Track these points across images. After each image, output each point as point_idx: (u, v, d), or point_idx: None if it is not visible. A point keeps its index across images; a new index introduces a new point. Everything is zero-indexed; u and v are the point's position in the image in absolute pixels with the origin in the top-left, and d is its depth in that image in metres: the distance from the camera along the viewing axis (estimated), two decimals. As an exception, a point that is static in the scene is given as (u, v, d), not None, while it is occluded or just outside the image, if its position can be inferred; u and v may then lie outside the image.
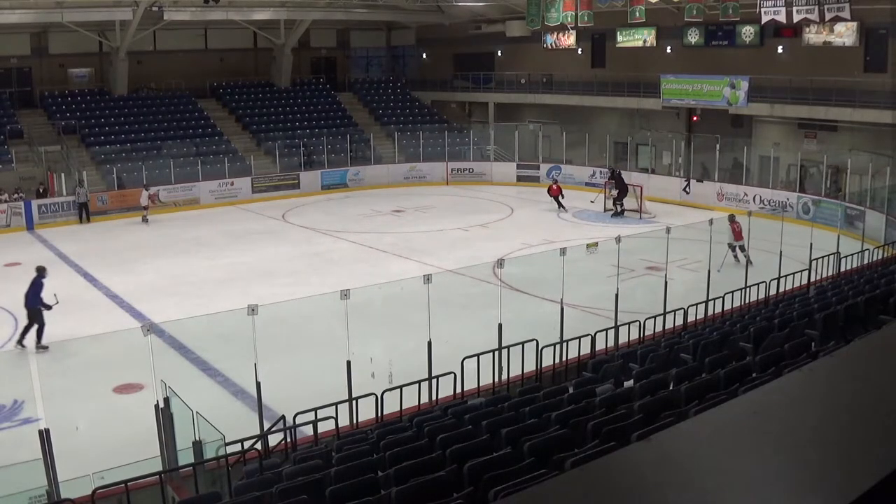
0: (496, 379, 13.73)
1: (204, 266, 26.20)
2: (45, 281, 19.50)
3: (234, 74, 48.15)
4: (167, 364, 15.23)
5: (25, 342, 18.54)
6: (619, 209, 32.62)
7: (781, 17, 31.93)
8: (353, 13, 47.38)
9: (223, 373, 16.34)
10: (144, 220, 34.30)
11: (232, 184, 39.14)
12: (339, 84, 51.17)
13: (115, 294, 23.51)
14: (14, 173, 37.66)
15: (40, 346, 18.56)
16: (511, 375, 13.68)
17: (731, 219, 23.91)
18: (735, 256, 23.41)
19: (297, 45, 48.45)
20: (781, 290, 17.74)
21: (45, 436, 10.06)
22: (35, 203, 35.72)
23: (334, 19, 48.08)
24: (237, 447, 10.63)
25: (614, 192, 33.07)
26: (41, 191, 36.80)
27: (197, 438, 10.39)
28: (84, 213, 35.59)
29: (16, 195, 35.88)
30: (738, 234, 23.36)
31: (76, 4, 39.35)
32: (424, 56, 53.79)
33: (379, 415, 12.01)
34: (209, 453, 10.34)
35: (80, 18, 40.43)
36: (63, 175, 37.34)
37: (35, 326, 18.77)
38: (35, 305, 18.98)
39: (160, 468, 10.46)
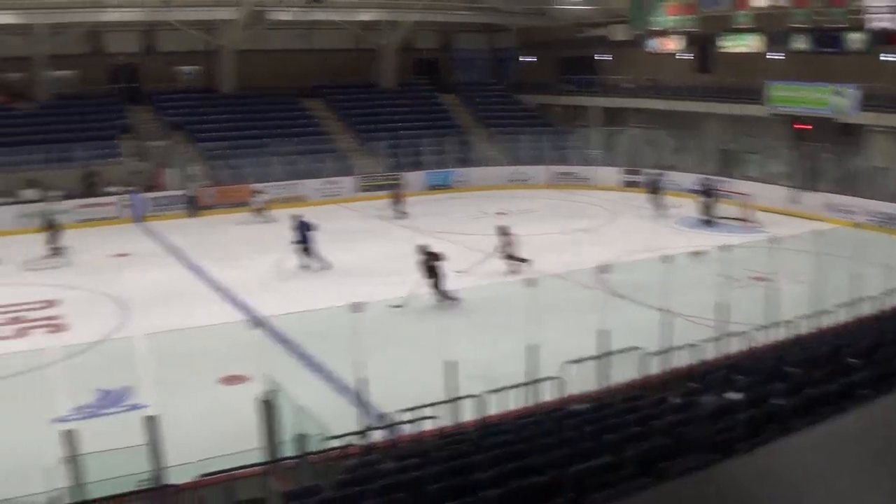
0: (598, 386, 13.62)
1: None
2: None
3: (338, 74, 48.60)
4: (272, 358, 15.50)
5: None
6: (712, 218, 31.99)
7: (890, 24, 31.07)
8: (455, 15, 47.53)
9: (327, 368, 16.52)
10: (259, 216, 34.72)
11: (336, 182, 39.56)
12: (443, 86, 51.31)
13: (222, 287, 23.97)
14: (124, 168, 38.66)
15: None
16: (613, 383, 13.56)
17: None
18: None
19: (402, 46, 48.77)
20: (891, 304, 17.25)
21: (151, 422, 10.31)
22: (144, 196, 36.66)
23: (437, 21, 48.23)
24: (339, 442, 10.73)
25: (707, 200, 32.47)
26: (150, 185, 37.73)
27: (300, 432, 10.53)
28: (192, 207, 36.35)
29: (126, 189, 36.86)
30: None
31: (183, 3, 40.29)
32: (527, 59, 53.62)
33: (480, 416, 12.01)
34: (311, 447, 10.46)
35: (187, 17, 41.40)
36: (173, 170, 38.28)
37: None
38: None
39: (263, 459, 10.63)
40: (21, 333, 20.60)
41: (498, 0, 46.72)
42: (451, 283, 21.43)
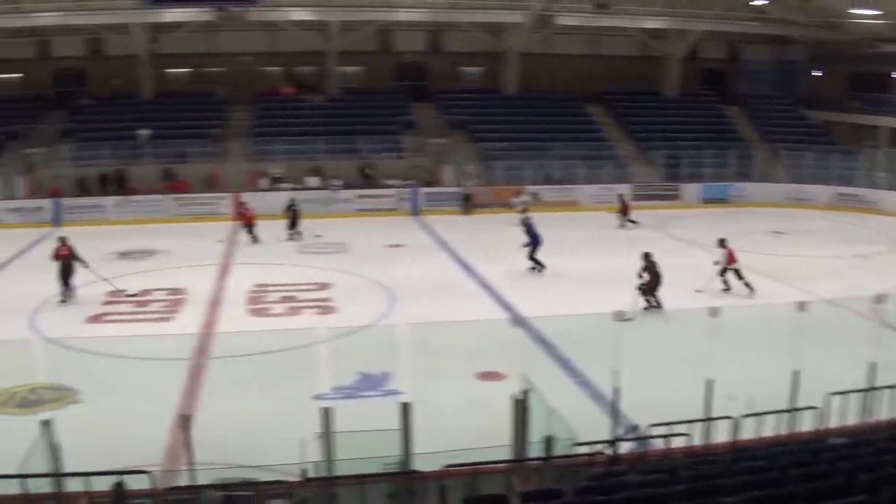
0: (860, 421, 12.70)
1: (573, 266, 26.33)
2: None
3: (621, 81, 48.13)
4: (529, 357, 15.46)
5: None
6: None
7: None
8: (744, 25, 45.91)
9: (582, 373, 16.32)
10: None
11: (612, 189, 39.25)
12: (728, 97, 49.77)
13: (487, 284, 24.21)
14: (405, 162, 39.92)
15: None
16: (877, 419, 12.61)
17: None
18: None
19: (687, 55, 47.72)
20: None
21: (406, 409, 10.46)
22: (422, 191, 37.70)
23: (724, 31, 46.77)
24: (586, 448, 10.52)
25: None
26: (428, 180, 38.76)
27: (549, 434, 10.40)
28: (467, 204, 37.02)
29: (405, 182, 38.10)
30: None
31: (471, 6, 41.08)
32: (817, 73, 51.20)
33: (733, 439, 11.47)
34: (558, 450, 10.31)
35: (474, 19, 42.21)
36: (451, 167, 39.18)
37: None
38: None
39: (509, 457, 10.57)
40: (293, 312, 21.65)
41: (789, 11, 44.80)
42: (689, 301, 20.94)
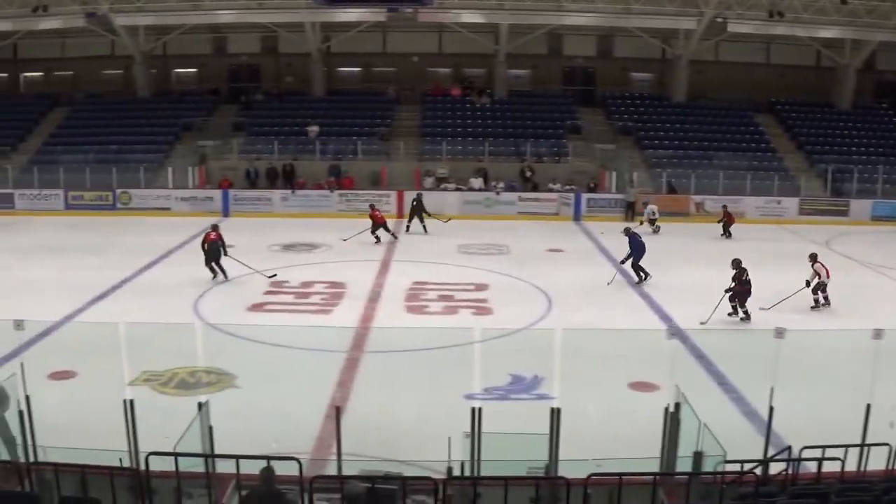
0: None
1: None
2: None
3: (793, 91, 46.54)
4: (684, 370, 15.10)
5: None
6: None
7: None
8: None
9: (737, 390, 15.86)
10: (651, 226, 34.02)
11: (779, 202, 38.05)
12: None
13: (646, 293, 23.81)
14: (569, 166, 39.73)
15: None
16: None
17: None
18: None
19: (862, 66, 45.83)
20: None
21: (555, 414, 10.34)
22: (585, 196, 37.42)
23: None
24: (736, 467, 10.18)
25: None
26: (591, 186, 38.44)
27: (698, 449, 10.12)
28: (630, 212, 36.55)
29: (568, 187, 37.90)
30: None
31: (643, 11, 40.50)
32: None
33: (889, 468, 10.91)
34: (707, 467, 10.02)
35: (645, 25, 41.65)
36: (614, 173, 38.75)
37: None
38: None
39: (656, 469, 10.34)
40: (450, 311, 21.79)
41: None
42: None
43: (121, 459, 10.11)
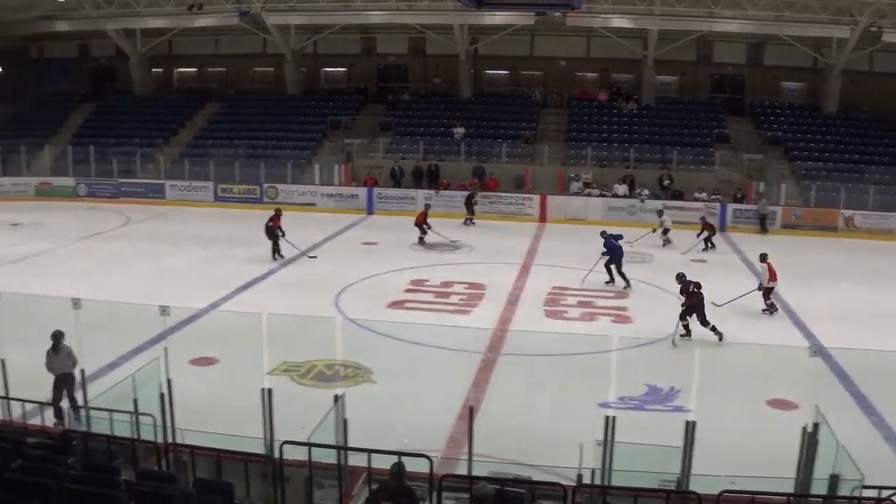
0: None
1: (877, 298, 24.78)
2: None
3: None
4: (825, 389, 14.65)
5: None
6: None
7: None
8: None
9: (880, 413, 15.30)
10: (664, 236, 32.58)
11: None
12: None
13: (790, 308, 23.15)
14: (715, 175, 38.99)
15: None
16: None
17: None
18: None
19: None
20: None
21: (690, 428, 10.18)
22: (730, 207, 36.67)
23: None
24: (874, 493, 9.83)
25: None
26: (738, 196, 37.63)
27: (835, 472, 9.82)
28: (763, 224, 35.70)
29: (713, 196, 37.20)
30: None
31: (795, 19, 39.39)
32: None
33: None
34: (843, 491, 9.71)
35: (797, 33, 40.46)
36: (762, 184, 37.85)
37: None
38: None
39: (790, 490, 10.07)
40: (588, 317, 21.64)
41: None
42: None
43: (250, 446, 10.38)
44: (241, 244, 29.73)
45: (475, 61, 46.20)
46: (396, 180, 39.56)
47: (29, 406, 13.37)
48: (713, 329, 19.52)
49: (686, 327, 19.71)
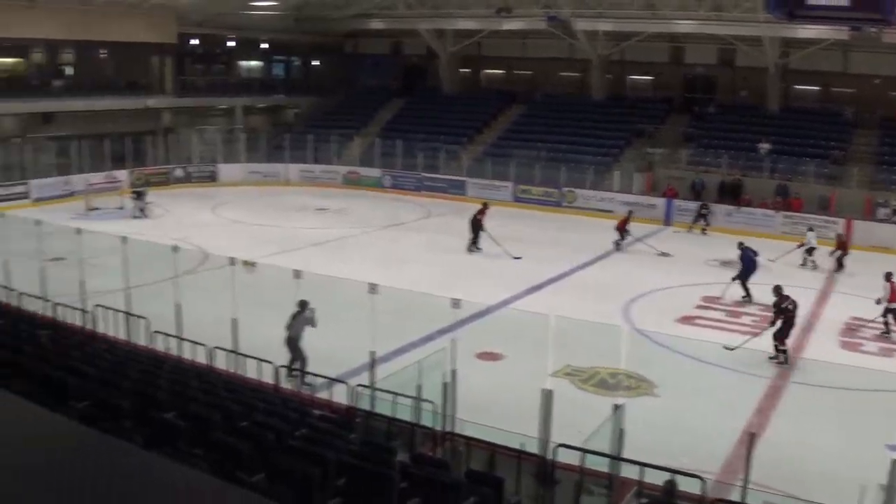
0: None
1: None
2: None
3: None
4: None
5: None
6: None
7: None
8: None
9: None
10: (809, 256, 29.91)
11: None
12: None
13: None
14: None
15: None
16: None
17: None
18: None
19: None
20: None
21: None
22: None
23: None
24: None
25: None
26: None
27: None
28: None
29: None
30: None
31: None
32: None
33: None
34: None
35: None
36: None
37: None
38: None
39: None
40: (887, 353, 20.28)
41: None
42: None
43: (524, 444, 10.49)
44: (536, 245, 30.14)
45: (784, 75, 44.41)
46: (696, 192, 38.73)
47: (320, 380, 14.16)
48: (783, 351, 18.58)
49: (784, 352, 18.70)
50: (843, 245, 29.89)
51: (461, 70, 52.21)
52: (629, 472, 10.12)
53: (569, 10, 41.96)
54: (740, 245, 25.03)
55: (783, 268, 27.95)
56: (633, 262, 27.32)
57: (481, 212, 29.33)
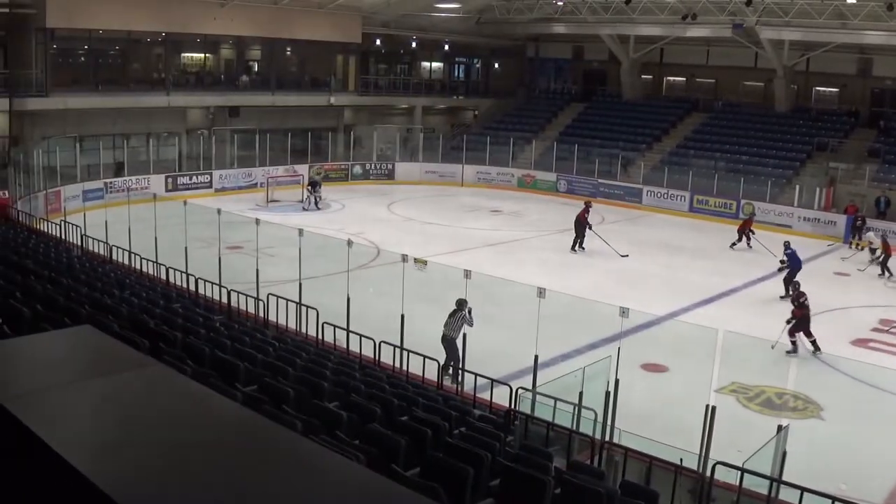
0: None
1: None
2: None
3: None
4: None
5: None
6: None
7: None
8: None
9: None
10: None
11: None
12: None
13: None
14: None
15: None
16: None
17: None
18: None
19: None
20: None
21: None
22: None
23: None
24: None
25: None
26: None
27: None
28: None
29: None
30: None
31: None
32: None
33: None
34: None
35: None
36: None
37: None
38: None
39: None
40: None
41: None
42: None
43: (681, 459, 10.40)
44: (707, 257, 29.66)
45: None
46: (881, 211, 37.18)
47: (481, 381, 14.36)
48: (814, 342, 19.10)
49: (794, 343, 18.95)
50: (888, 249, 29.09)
51: (643, 76, 51.66)
52: (788, 495, 9.91)
53: (754, 18, 40.99)
54: (786, 244, 25.74)
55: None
56: (810, 280, 26.47)
57: (585, 210, 29.35)
